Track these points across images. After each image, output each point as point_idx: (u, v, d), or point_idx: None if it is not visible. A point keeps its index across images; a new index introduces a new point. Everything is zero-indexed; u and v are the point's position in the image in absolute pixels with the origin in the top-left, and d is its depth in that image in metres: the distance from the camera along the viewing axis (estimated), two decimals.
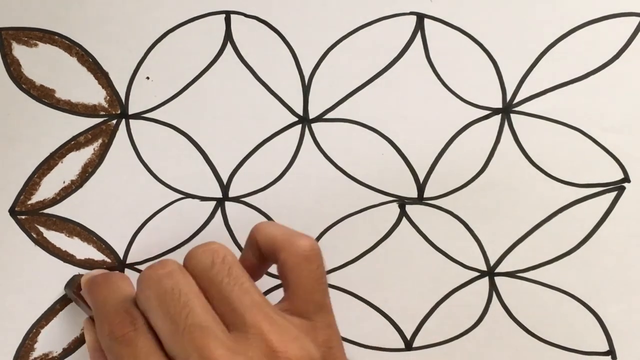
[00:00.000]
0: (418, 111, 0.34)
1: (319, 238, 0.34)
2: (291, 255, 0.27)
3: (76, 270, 0.34)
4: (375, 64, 0.34)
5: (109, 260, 0.34)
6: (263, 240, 0.28)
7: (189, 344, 0.23)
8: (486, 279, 0.35)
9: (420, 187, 0.35)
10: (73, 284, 0.33)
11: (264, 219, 0.34)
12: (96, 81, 0.34)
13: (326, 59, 0.34)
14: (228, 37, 0.34)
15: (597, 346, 0.34)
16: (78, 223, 0.34)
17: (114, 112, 0.34)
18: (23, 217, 0.34)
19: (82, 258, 0.34)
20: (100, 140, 0.34)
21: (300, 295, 0.26)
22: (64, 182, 0.34)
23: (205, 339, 0.23)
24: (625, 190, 0.34)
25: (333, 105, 0.34)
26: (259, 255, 0.29)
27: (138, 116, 0.34)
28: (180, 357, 0.23)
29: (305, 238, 0.27)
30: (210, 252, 0.26)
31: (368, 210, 0.35)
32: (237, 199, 0.35)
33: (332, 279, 0.35)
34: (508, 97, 0.34)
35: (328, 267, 0.29)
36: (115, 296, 0.27)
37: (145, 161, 0.34)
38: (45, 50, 0.33)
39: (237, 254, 0.34)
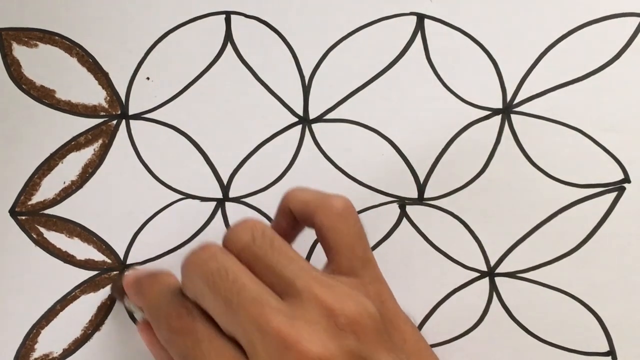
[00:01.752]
0: (418, 111, 0.34)
1: None
2: (327, 216, 0.27)
3: (76, 271, 0.34)
4: (375, 64, 0.34)
5: (109, 260, 0.34)
6: (296, 206, 0.28)
7: (245, 319, 0.23)
8: (486, 280, 0.35)
9: (421, 188, 0.35)
10: (118, 288, 0.32)
11: (264, 220, 0.34)
12: (96, 81, 0.34)
13: (326, 59, 0.34)
14: (228, 37, 0.34)
15: (597, 346, 0.34)
16: (78, 223, 0.34)
17: (114, 113, 0.34)
18: (23, 217, 0.34)
19: (83, 258, 0.34)
20: (100, 141, 0.34)
21: (343, 254, 0.26)
22: (64, 183, 0.34)
23: (260, 310, 0.23)
24: (626, 191, 0.34)
25: (333, 106, 0.34)
26: (292, 221, 0.29)
27: (138, 117, 0.34)
28: (239, 333, 0.23)
29: (338, 197, 0.27)
30: (248, 228, 0.25)
31: (368, 211, 0.35)
32: (237, 200, 0.35)
33: None
34: (508, 98, 0.34)
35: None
36: (165, 292, 0.26)
37: (146, 162, 0.34)
38: (46, 50, 0.33)
39: None
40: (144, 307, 0.28)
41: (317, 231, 0.27)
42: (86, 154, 0.34)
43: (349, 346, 0.22)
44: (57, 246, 0.34)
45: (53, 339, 0.34)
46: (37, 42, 0.33)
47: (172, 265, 0.34)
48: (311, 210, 0.27)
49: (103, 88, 0.34)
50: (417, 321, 0.35)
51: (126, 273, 0.31)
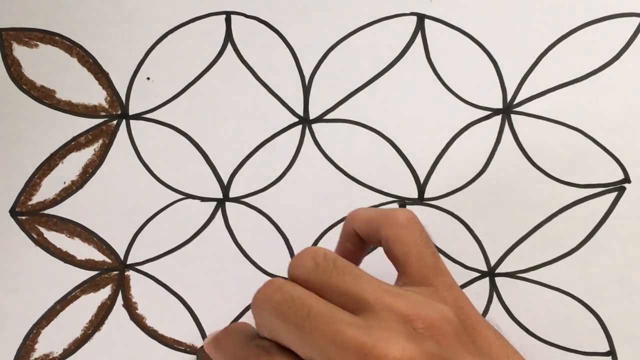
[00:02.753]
0: (418, 111, 0.34)
1: (319, 238, 0.34)
2: (391, 228, 0.27)
3: (76, 271, 0.34)
4: (375, 64, 0.34)
5: (109, 260, 0.34)
6: (360, 225, 0.28)
7: (319, 339, 0.22)
8: (487, 279, 0.35)
9: (421, 188, 0.35)
10: (200, 356, 0.32)
11: (264, 220, 0.34)
12: (97, 82, 0.34)
13: (326, 59, 0.34)
14: (228, 37, 0.34)
15: (597, 346, 0.34)
16: (78, 223, 0.34)
17: (114, 113, 0.34)
18: (23, 217, 0.34)
19: (83, 258, 0.34)
20: (100, 141, 0.34)
21: (412, 264, 0.26)
22: (64, 183, 0.34)
23: (333, 326, 0.22)
24: (626, 191, 0.34)
25: (333, 106, 0.34)
26: (357, 242, 0.29)
27: (138, 117, 0.34)
28: (317, 356, 0.22)
29: (400, 210, 0.27)
30: (309, 254, 0.25)
31: None
32: (237, 200, 0.35)
33: None
34: (508, 98, 0.34)
35: None
36: (241, 338, 0.26)
37: (146, 162, 0.34)
38: (46, 50, 0.33)
39: (239, 254, 0.34)
40: (224, 359, 0.28)
41: (384, 245, 0.27)
42: (86, 154, 0.34)
43: (430, 348, 0.22)
44: (57, 246, 0.34)
45: (53, 339, 0.34)
46: (37, 42, 0.33)
47: (173, 265, 0.34)
48: (376, 226, 0.27)
49: (103, 88, 0.34)
50: None
51: (205, 340, 0.31)
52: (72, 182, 0.34)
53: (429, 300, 0.23)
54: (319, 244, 0.33)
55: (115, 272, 0.34)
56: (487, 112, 0.34)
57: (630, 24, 0.34)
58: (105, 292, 0.34)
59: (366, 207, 0.29)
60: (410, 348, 0.21)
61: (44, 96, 0.33)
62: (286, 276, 0.25)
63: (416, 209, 0.35)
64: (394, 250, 0.26)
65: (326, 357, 0.22)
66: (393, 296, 0.23)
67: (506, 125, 0.34)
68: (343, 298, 0.24)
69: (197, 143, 0.34)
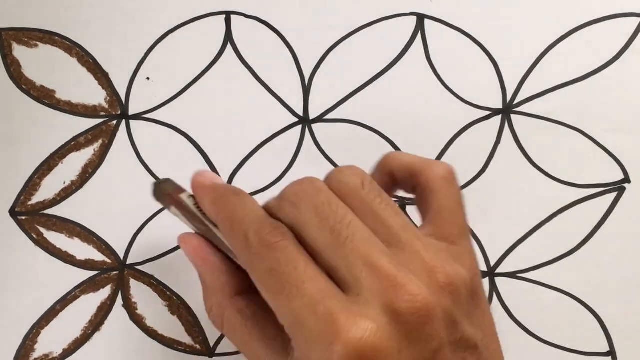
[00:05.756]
0: (418, 111, 0.34)
1: None
2: (432, 177, 0.26)
3: (76, 271, 0.34)
4: (375, 64, 0.34)
5: (109, 260, 0.34)
6: (399, 166, 0.28)
7: (352, 252, 0.22)
8: (486, 280, 0.35)
9: None
10: (169, 187, 0.30)
11: None
12: (96, 82, 0.34)
13: (326, 59, 0.34)
14: (228, 37, 0.34)
15: (597, 346, 0.34)
16: (78, 224, 0.34)
17: (114, 113, 0.34)
18: (23, 217, 0.34)
19: (83, 259, 0.34)
20: (100, 141, 0.34)
21: (445, 218, 0.26)
22: (64, 183, 0.34)
23: (369, 247, 0.22)
24: (626, 191, 0.34)
25: (333, 106, 0.34)
26: (389, 181, 0.28)
27: (138, 117, 0.34)
28: (342, 265, 0.22)
29: (443, 163, 0.27)
30: (358, 174, 0.25)
31: None
32: None
33: None
34: (508, 98, 0.34)
35: None
36: (255, 209, 0.25)
37: (146, 162, 0.34)
38: (46, 50, 0.33)
39: None
40: (224, 219, 0.26)
41: (419, 192, 0.27)
42: (86, 154, 0.34)
43: (446, 304, 0.22)
44: (57, 246, 0.34)
45: (53, 339, 0.34)
46: (37, 42, 0.33)
47: (173, 265, 0.34)
48: (416, 171, 0.27)
49: (103, 88, 0.34)
50: None
51: (197, 174, 0.28)
52: (72, 182, 0.34)
53: (451, 259, 0.24)
54: None
55: (115, 272, 0.34)
56: (487, 112, 0.34)
57: (630, 24, 0.34)
58: (105, 292, 0.34)
59: (404, 152, 0.29)
60: (433, 296, 0.22)
61: (44, 96, 0.33)
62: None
63: (416, 209, 0.35)
64: (430, 200, 0.26)
65: (352, 273, 0.22)
66: (424, 244, 0.23)
67: (506, 125, 0.34)
68: (379, 227, 0.24)
69: (196, 143, 0.34)
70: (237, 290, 0.27)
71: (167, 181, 0.30)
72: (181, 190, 0.29)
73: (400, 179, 0.28)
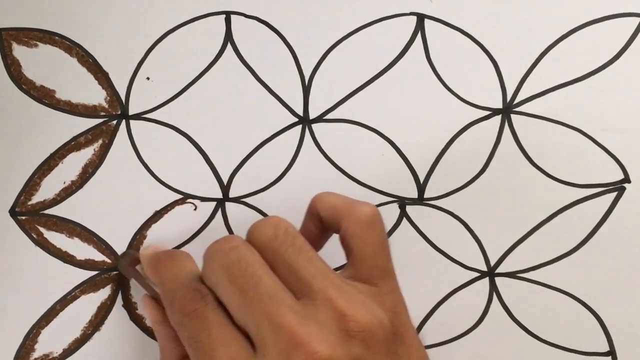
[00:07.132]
0: (418, 111, 0.34)
1: None
2: (353, 221, 0.27)
3: (76, 271, 0.34)
4: (375, 64, 0.34)
5: (109, 260, 0.34)
6: (324, 210, 0.28)
7: (258, 312, 0.23)
8: (486, 280, 0.35)
9: (421, 188, 0.35)
10: (127, 259, 0.33)
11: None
12: (96, 82, 0.34)
13: (326, 59, 0.34)
14: (228, 37, 0.34)
15: (597, 346, 0.34)
16: (78, 224, 0.34)
17: (114, 113, 0.34)
18: (23, 217, 0.34)
19: (83, 259, 0.34)
20: (100, 141, 0.34)
21: (364, 261, 0.26)
22: (64, 183, 0.34)
23: (274, 306, 0.23)
24: (626, 191, 0.34)
25: (333, 106, 0.34)
26: (320, 225, 0.29)
27: (138, 117, 0.34)
28: (251, 326, 0.23)
29: (366, 204, 0.27)
30: (272, 224, 0.26)
31: None
32: (237, 200, 0.35)
33: None
34: (508, 98, 0.34)
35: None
36: (183, 273, 0.27)
37: (146, 162, 0.34)
38: (46, 50, 0.33)
39: None
40: (159, 284, 0.28)
41: (341, 236, 0.27)
42: (86, 154, 0.34)
43: (356, 353, 0.22)
44: (57, 246, 0.34)
45: (53, 339, 0.34)
46: (37, 42, 0.33)
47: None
48: (338, 215, 0.27)
49: (103, 88, 0.34)
50: (417, 321, 0.35)
51: (144, 247, 0.32)
52: (72, 182, 0.34)
53: (368, 301, 0.24)
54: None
55: (115, 272, 0.34)
56: (487, 112, 0.34)
57: (630, 24, 0.34)
58: (105, 292, 0.34)
59: (334, 192, 0.29)
60: (338, 350, 0.22)
61: (44, 96, 0.33)
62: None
63: (416, 209, 0.35)
64: (350, 244, 0.27)
65: (259, 332, 0.23)
66: (337, 291, 0.24)
67: (506, 125, 0.34)
68: (291, 277, 0.24)
69: (196, 143, 0.34)
70: (181, 356, 0.28)
71: (127, 254, 0.33)
72: (138, 261, 0.32)
73: (326, 222, 0.28)
